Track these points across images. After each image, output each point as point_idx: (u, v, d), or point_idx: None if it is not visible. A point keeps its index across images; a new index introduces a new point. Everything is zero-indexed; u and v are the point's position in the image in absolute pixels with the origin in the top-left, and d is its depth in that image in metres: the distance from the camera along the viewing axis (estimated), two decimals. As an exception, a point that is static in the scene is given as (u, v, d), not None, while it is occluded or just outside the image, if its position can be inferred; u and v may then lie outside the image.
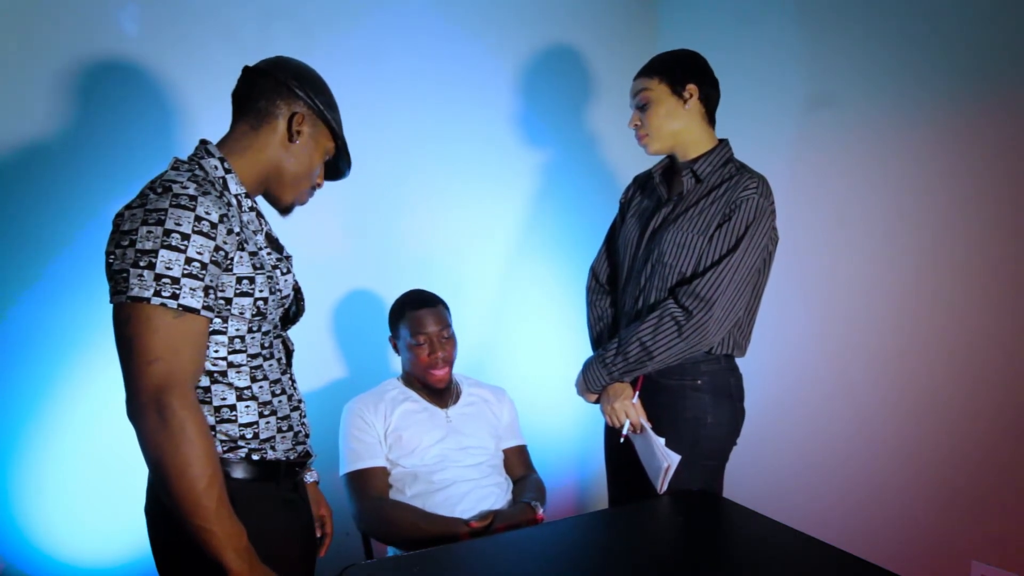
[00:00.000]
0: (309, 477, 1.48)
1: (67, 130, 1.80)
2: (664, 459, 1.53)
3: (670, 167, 1.71)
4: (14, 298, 1.77)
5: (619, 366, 1.59)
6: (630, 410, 1.60)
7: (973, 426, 1.91)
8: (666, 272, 1.58)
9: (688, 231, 1.56)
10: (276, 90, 1.19)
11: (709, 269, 1.50)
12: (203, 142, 1.19)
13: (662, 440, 1.54)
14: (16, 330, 1.77)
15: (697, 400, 1.59)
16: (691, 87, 1.59)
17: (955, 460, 1.95)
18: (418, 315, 1.82)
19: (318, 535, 1.47)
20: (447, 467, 1.76)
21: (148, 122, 1.89)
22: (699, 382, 1.60)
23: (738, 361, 1.68)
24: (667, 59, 1.62)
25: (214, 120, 1.93)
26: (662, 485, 1.55)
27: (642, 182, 1.81)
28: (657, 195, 1.69)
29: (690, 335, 1.50)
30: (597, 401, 1.70)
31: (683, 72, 1.59)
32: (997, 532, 1.87)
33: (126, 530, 1.85)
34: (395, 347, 1.91)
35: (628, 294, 1.69)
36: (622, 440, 1.64)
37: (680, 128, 1.61)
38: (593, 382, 1.64)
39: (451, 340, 1.86)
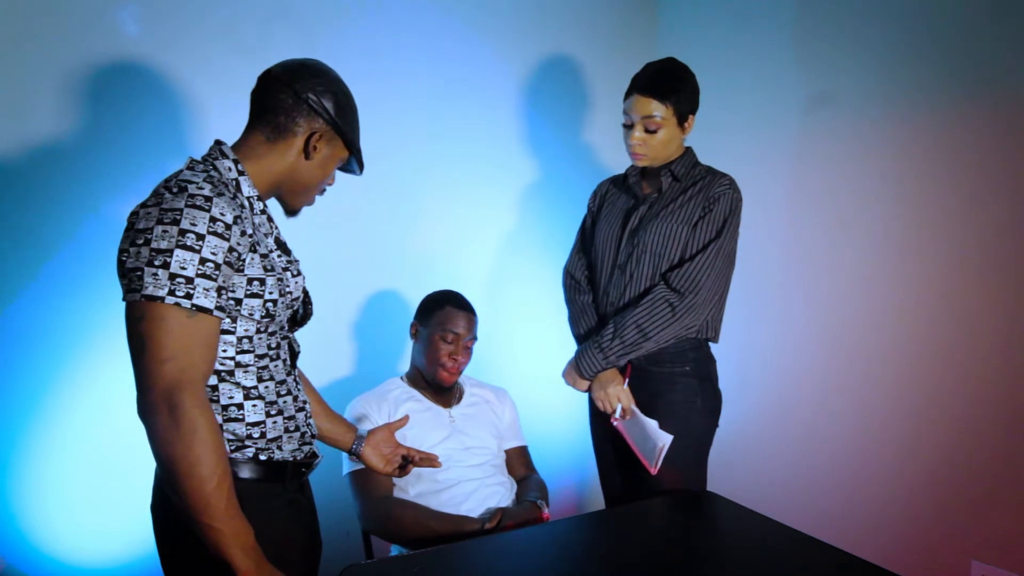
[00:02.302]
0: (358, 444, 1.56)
1: (67, 129, 1.79)
2: (659, 439, 1.62)
3: (642, 169, 1.81)
4: (15, 297, 1.76)
5: (615, 350, 1.69)
6: (623, 395, 1.71)
7: (973, 426, 1.91)
8: (655, 261, 1.71)
9: (672, 223, 1.70)
10: (296, 107, 1.18)
11: (697, 255, 1.66)
12: (217, 143, 1.19)
13: (655, 422, 1.65)
14: (17, 329, 1.77)
15: (687, 385, 1.72)
16: (691, 119, 1.72)
17: (955, 460, 1.95)
18: (457, 314, 1.87)
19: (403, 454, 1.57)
20: (451, 467, 1.77)
21: (148, 121, 1.88)
22: (687, 368, 1.72)
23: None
24: (677, 85, 1.67)
25: (215, 119, 1.94)
26: (656, 464, 1.64)
27: (614, 184, 1.92)
28: (633, 194, 1.82)
29: (682, 315, 1.65)
30: (587, 389, 1.79)
31: (690, 105, 1.70)
32: (997, 532, 1.87)
33: (126, 529, 1.85)
34: (414, 335, 1.93)
35: (614, 286, 1.78)
36: (615, 423, 1.73)
37: (672, 151, 1.74)
38: (588, 368, 1.73)
39: (470, 352, 1.90)
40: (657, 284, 1.70)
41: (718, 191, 1.68)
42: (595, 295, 1.88)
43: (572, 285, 1.94)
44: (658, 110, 1.66)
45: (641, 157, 1.71)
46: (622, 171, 1.90)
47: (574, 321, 1.91)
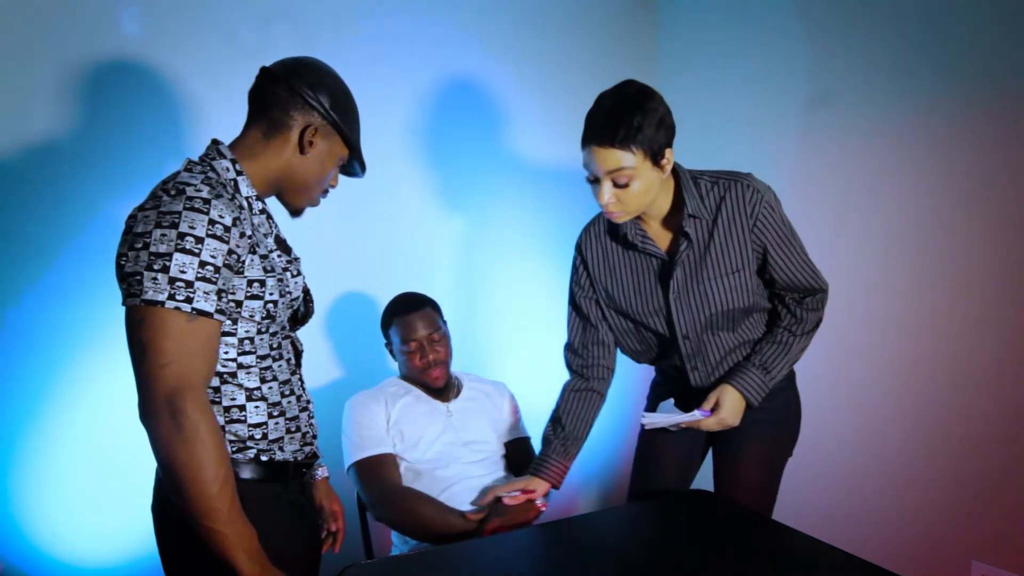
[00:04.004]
0: (320, 473, 1.47)
1: (67, 129, 1.79)
2: (686, 417, 1.54)
3: (639, 220, 1.54)
4: (15, 297, 1.76)
5: (780, 373, 1.55)
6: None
7: (973, 426, 1.91)
8: (727, 316, 1.53)
9: (728, 274, 1.49)
10: (290, 100, 1.17)
11: (789, 264, 1.49)
12: (215, 142, 1.19)
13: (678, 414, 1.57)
14: (17, 329, 1.77)
15: (786, 398, 1.62)
16: (669, 152, 1.40)
17: (955, 460, 1.95)
18: (406, 320, 1.83)
19: (332, 529, 1.48)
20: (450, 463, 1.77)
21: (148, 122, 1.88)
22: (784, 381, 1.61)
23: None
24: (639, 121, 1.34)
25: (215, 120, 1.94)
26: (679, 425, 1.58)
27: (610, 236, 1.60)
28: (648, 252, 1.55)
29: (822, 309, 1.56)
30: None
31: (664, 137, 1.38)
32: (997, 532, 1.87)
33: (126, 530, 1.85)
34: (391, 352, 1.92)
35: (691, 356, 1.59)
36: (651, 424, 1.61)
37: (656, 193, 1.45)
38: (759, 394, 1.54)
39: (443, 340, 1.86)
40: (786, 312, 1.55)
41: (754, 212, 1.44)
42: (664, 363, 1.68)
43: (573, 374, 1.71)
44: (624, 160, 1.35)
45: (618, 215, 1.43)
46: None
47: (558, 417, 1.70)
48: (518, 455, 1.95)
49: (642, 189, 1.39)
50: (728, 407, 1.52)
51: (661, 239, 1.54)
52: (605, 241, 1.60)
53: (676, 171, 1.49)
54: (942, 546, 1.97)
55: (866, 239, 2.13)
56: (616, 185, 1.38)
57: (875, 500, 2.13)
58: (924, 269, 2.00)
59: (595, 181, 1.41)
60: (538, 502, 1.70)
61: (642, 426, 1.65)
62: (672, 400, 1.64)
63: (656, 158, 1.38)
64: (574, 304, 1.68)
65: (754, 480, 1.62)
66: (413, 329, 1.81)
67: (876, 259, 2.11)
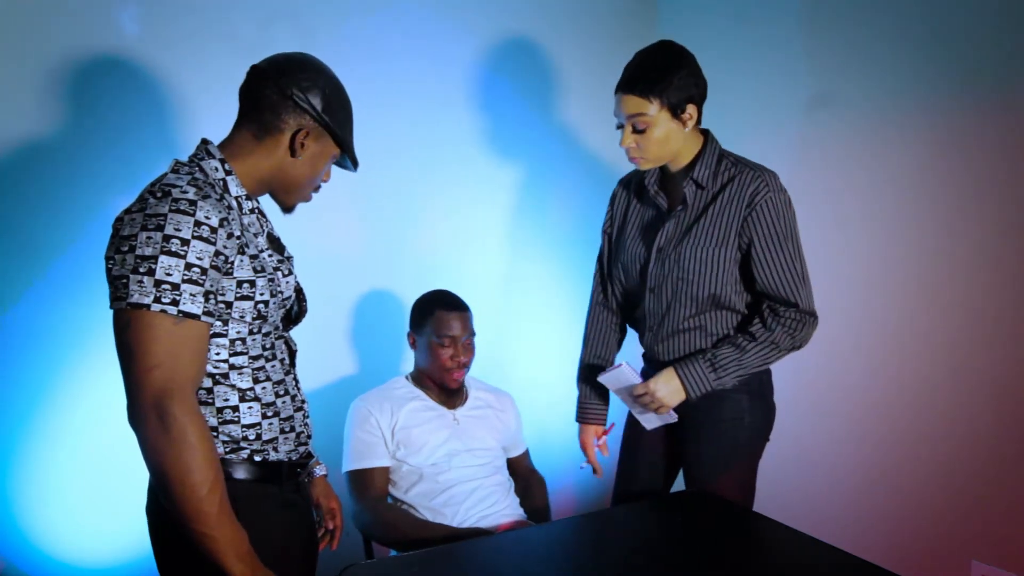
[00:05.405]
0: (318, 470, 1.47)
1: (66, 129, 1.79)
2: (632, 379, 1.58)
3: (661, 176, 1.66)
4: (15, 298, 1.76)
5: (731, 374, 1.54)
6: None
7: (973, 426, 1.91)
8: (690, 289, 1.57)
9: (706, 246, 1.54)
10: (282, 104, 1.15)
11: (777, 273, 1.51)
12: (204, 142, 1.18)
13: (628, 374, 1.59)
14: (16, 330, 1.77)
15: (735, 402, 1.60)
16: (691, 109, 1.52)
17: (955, 460, 1.95)
18: (448, 317, 1.84)
19: (329, 527, 1.47)
20: (451, 468, 1.78)
21: (147, 122, 1.88)
22: (745, 387, 1.59)
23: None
24: (663, 76, 1.48)
25: (214, 120, 1.91)
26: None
27: (635, 190, 1.73)
28: (655, 205, 1.65)
29: (806, 334, 1.56)
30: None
31: (686, 94, 1.50)
32: (997, 532, 1.87)
33: (126, 530, 1.85)
34: (412, 343, 1.92)
35: (651, 314, 1.65)
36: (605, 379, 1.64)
37: (678, 147, 1.56)
38: (699, 389, 1.55)
39: (471, 348, 1.89)
40: (765, 320, 1.54)
41: (753, 201, 1.50)
42: (629, 314, 1.77)
43: (596, 302, 1.81)
44: (644, 107, 1.49)
45: (639, 160, 1.56)
46: (623, 171, 1.82)
47: (587, 341, 1.80)
48: (521, 465, 2.01)
49: (660, 138, 1.52)
50: (662, 382, 1.56)
51: (671, 195, 1.64)
52: (631, 189, 1.75)
53: (707, 140, 1.59)
54: (942, 546, 1.97)
55: (866, 238, 2.13)
56: (635, 131, 1.52)
57: (875, 499, 2.13)
58: (924, 268, 2.00)
59: (621, 127, 1.55)
60: (599, 443, 1.78)
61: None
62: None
63: (676, 110, 1.50)
64: (604, 233, 1.82)
65: (720, 482, 1.60)
66: (453, 327, 1.84)
67: (876, 257, 2.11)
